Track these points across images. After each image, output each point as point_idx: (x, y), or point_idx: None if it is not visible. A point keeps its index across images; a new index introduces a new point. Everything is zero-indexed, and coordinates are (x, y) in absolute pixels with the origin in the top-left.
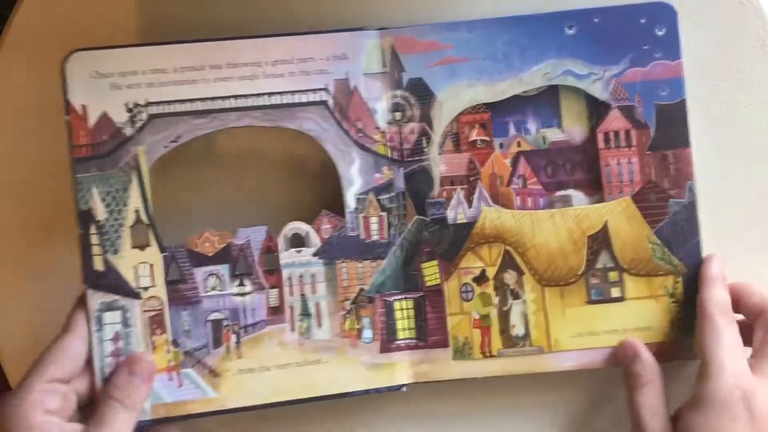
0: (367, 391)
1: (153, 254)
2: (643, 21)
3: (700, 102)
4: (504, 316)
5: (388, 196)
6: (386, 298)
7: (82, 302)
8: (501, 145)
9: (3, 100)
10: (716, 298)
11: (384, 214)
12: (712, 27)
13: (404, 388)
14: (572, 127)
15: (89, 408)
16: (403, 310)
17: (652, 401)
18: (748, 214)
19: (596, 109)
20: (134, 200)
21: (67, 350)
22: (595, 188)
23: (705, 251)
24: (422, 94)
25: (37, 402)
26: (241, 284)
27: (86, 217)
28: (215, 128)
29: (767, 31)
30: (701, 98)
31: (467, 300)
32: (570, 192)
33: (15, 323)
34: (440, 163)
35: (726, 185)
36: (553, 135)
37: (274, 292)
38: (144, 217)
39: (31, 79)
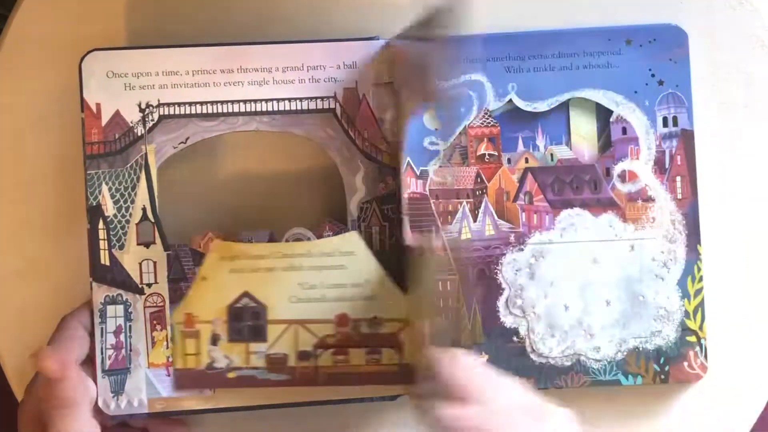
0: (361, 400)
1: (157, 251)
2: None
3: (701, 102)
4: None
5: (391, 206)
6: None
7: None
8: (509, 161)
9: (3, 100)
10: None
11: (386, 224)
12: (712, 27)
13: (397, 399)
14: (581, 145)
15: None
16: None
17: None
18: (748, 214)
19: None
20: (142, 198)
21: (72, 333)
22: (603, 208)
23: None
24: None
25: None
26: None
27: (95, 212)
28: (223, 131)
29: (767, 31)
30: (701, 98)
31: None
32: (577, 211)
33: (15, 323)
34: (447, 176)
35: (726, 185)
36: (561, 152)
37: None
38: (150, 215)
39: (31, 78)
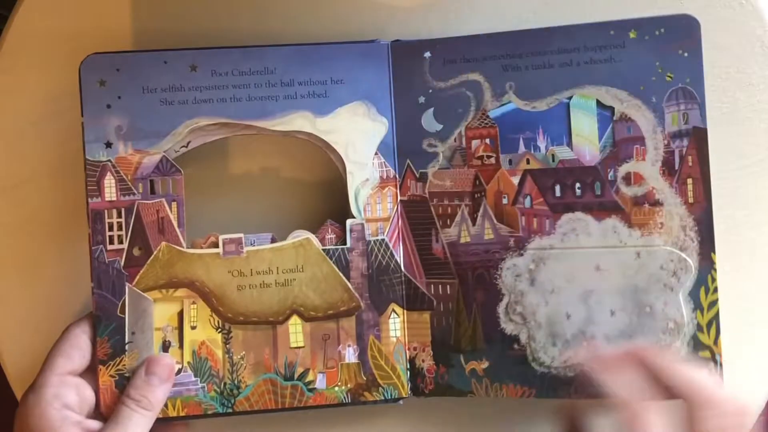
0: (364, 402)
1: None
2: None
3: None
4: None
5: None
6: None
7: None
8: (510, 162)
9: (3, 100)
10: None
11: None
12: (712, 27)
13: (401, 402)
14: (582, 146)
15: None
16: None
17: None
18: (747, 215)
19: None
20: None
21: (73, 342)
22: (606, 212)
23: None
24: None
25: (54, 396)
26: None
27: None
28: (224, 135)
29: (767, 31)
30: None
31: None
32: (578, 215)
33: (15, 323)
34: (446, 179)
35: (726, 185)
36: (563, 153)
37: None
38: None
39: (31, 78)
